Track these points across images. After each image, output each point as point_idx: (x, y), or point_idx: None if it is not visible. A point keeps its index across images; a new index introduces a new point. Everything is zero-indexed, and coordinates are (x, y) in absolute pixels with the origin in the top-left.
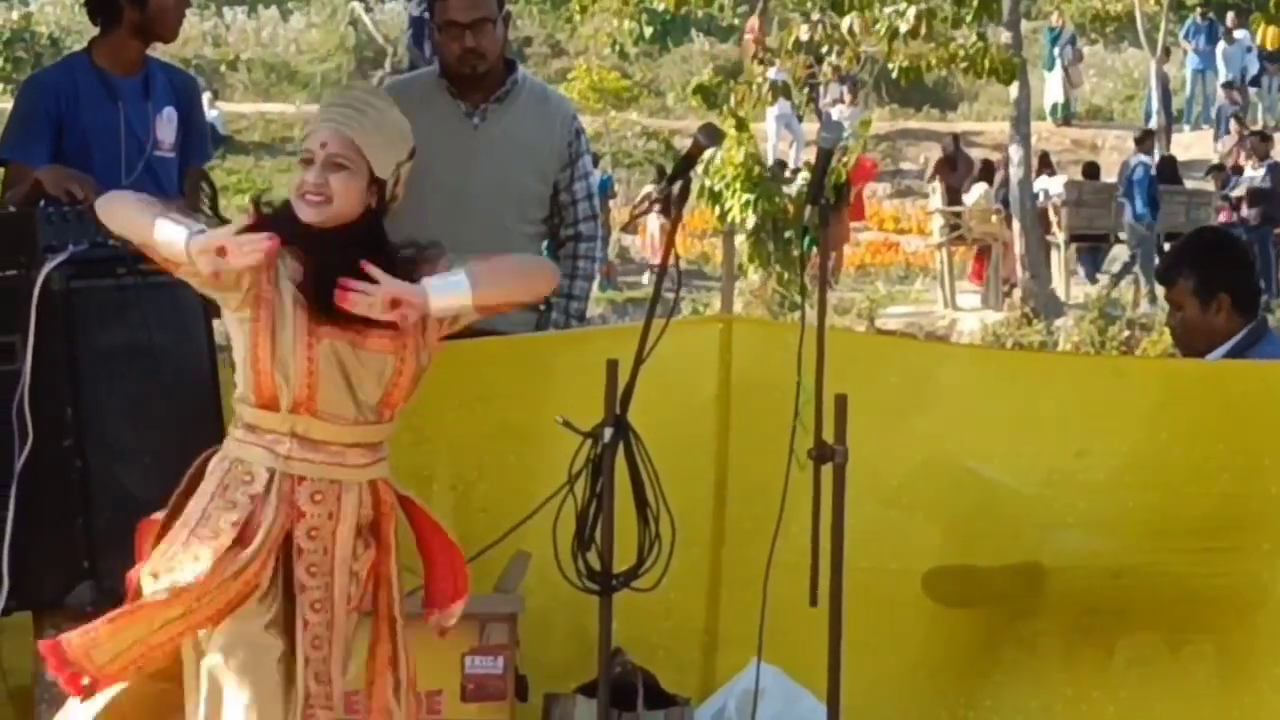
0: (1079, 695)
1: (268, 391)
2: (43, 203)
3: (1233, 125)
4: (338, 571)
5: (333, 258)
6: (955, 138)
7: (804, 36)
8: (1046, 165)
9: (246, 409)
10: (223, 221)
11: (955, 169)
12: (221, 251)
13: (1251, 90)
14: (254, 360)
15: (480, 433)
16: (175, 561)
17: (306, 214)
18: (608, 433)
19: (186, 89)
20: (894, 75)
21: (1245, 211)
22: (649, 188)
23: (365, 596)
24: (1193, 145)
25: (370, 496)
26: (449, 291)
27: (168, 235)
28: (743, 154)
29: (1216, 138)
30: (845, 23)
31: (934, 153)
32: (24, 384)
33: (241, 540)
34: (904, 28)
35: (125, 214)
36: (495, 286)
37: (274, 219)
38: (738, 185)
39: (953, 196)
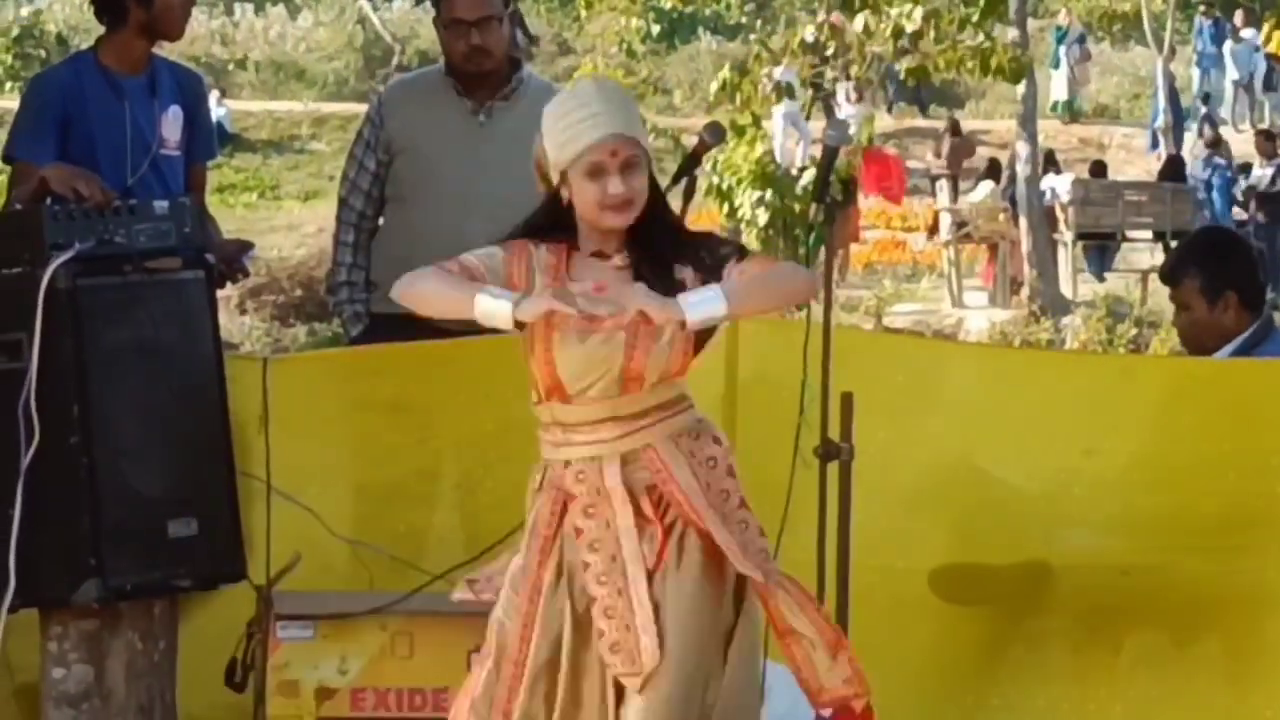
0: (1086, 694)
1: (533, 381)
2: (49, 200)
3: (1206, 128)
4: (623, 540)
5: (653, 258)
6: (955, 122)
7: (809, 37)
8: (1052, 163)
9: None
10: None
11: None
12: (550, 314)
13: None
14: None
15: (486, 431)
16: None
17: (614, 221)
18: None
19: (192, 87)
20: (901, 77)
21: (1253, 210)
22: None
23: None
24: (1197, 143)
25: (645, 461)
26: (705, 308)
27: (488, 308)
28: (759, 150)
29: (1200, 134)
30: (857, 22)
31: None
32: (30, 382)
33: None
34: (910, 28)
35: (436, 295)
36: (750, 300)
37: (540, 227)
38: (749, 183)
39: (953, 181)
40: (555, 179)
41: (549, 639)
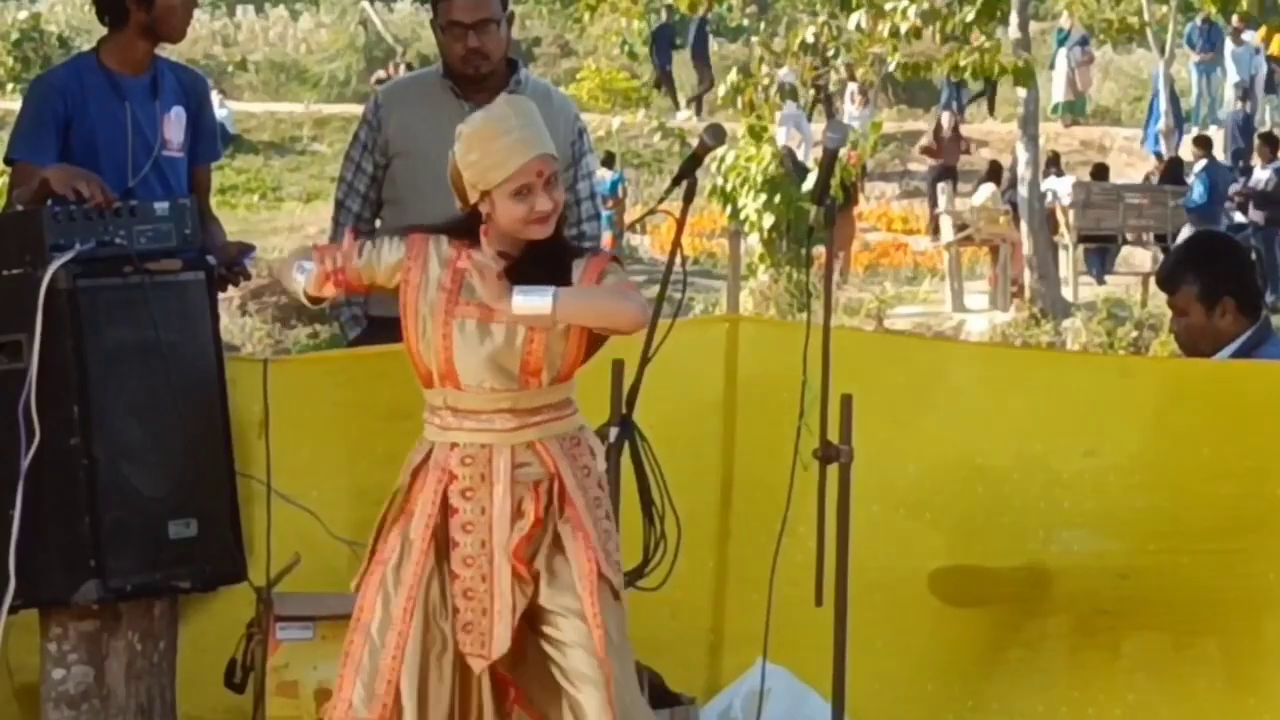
0: (1085, 697)
1: (421, 369)
2: (49, 202)
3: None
4: (495, 528)
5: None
6: (951, 116)
7: (810, 38)
8: (1055, 166)
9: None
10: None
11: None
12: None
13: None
14: (406, 342)
15: None
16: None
17: (540, 234)
18: (613, 432)
19: (195, 88)
20: (894, 73)
21: (1252, 213)
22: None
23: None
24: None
25: (534, 456)
26: (530, 303)
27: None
28: (768, 153)
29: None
30: (852, 21)
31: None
32: (31, 382)
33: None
34: (905, 26)
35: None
36: (575, 309)
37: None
38: (758, 187)
39: (944, 174)
40: (474, 198)
41: (423, 612)
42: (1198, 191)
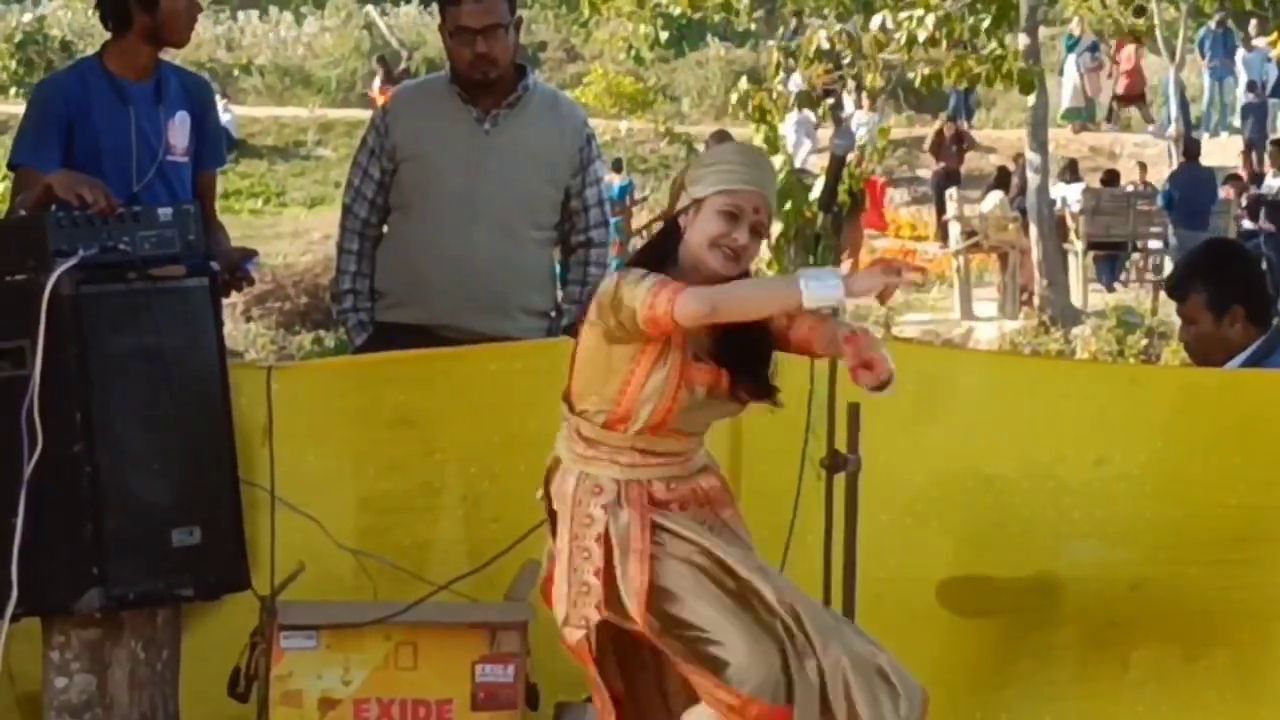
0: (1094, 709)
1: (622, 413)
2: (53, 207)
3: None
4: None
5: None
6: (953, 119)
7: (824, 44)
8: (1074, 172)
9: (589, 425)
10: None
11: (948, 148)
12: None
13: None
14: (623, 385)
15: (491, 442)
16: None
17: (719, 265)
18: None
19: (200, 93)
20: (916, 84)
21: (1263, 220)
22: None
23: None
24: (1211, 154)
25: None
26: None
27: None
28: (778, 161)
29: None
30: (875, 22)
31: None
32: (34, 389)
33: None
34: (923, 35)
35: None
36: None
37: (650, 259)
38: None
39: (948, 179)
40: (685, 202)
41: None
42: None
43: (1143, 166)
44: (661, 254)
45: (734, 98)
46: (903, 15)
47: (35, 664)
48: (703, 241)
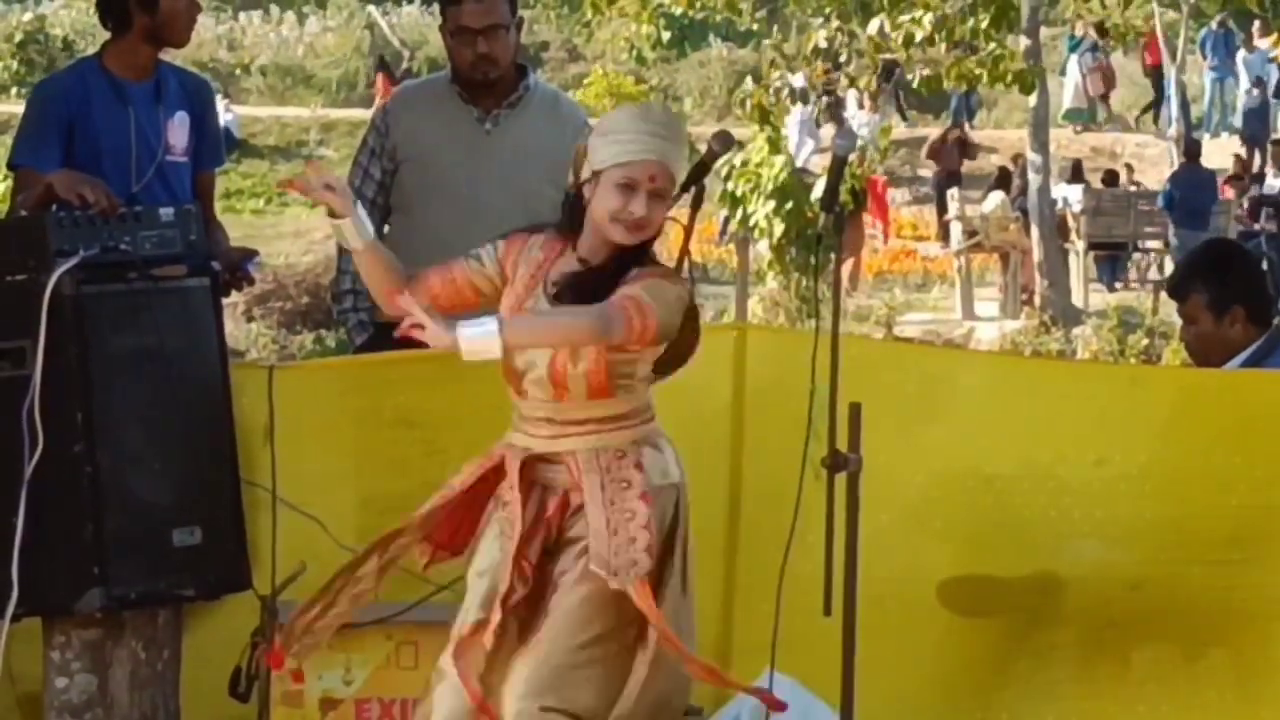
0: (1095, 709)
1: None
2: (54, 207)
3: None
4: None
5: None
6: (957, 125)
7: (822, 43)
8: (1078, 173)
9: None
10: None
11: (949, 151)
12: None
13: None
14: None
15: (492, 442)
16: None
17: (621, 237)
18: None
19: (199, 93)
20: (915, 85)
21: (1263, 221)
22: None
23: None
24: (1212, 154)
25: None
26: (477, 339)
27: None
28: (780, 160)
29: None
30: (872, 26)
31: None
32: (34, 389)
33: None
34: (920, 35)
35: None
36: (529, 335)
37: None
38: (768, 193)
39: (950, 179)
40: (585, 175)
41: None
42: None
43: (1129, 168)
44: (571, 223)
45: (737, 97)
46: (901, 18)
47: (36, 664)
48: (604, 216)
